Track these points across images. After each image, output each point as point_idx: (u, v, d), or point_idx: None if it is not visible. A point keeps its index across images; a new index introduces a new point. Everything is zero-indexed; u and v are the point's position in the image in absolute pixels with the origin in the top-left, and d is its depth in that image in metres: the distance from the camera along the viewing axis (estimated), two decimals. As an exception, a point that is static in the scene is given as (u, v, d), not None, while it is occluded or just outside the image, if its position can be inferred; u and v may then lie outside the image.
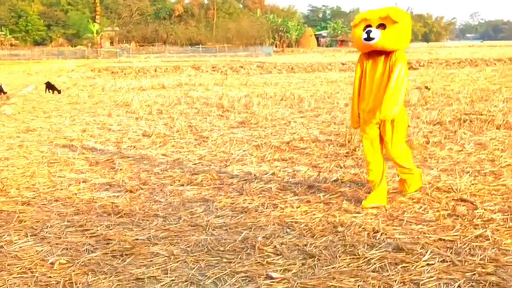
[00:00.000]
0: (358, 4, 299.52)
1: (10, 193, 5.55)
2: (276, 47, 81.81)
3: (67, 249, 3.99)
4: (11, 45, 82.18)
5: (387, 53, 4.68)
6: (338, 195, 5.18)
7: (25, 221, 4.64)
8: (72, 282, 3.41)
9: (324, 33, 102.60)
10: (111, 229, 4.41)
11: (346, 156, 6.93)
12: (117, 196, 5.39)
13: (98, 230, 4.37)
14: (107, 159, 7.03)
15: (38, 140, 8.54)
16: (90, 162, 6.90)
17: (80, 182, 5.91)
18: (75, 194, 5.49)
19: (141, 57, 52.23)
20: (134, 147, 7.87)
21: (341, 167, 6.32)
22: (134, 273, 3.54)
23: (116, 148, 7.81)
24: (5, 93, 15.94)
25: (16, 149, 7.90)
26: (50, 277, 3.50)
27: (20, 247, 4.04)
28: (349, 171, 6.10)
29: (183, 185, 5.73)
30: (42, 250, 3.96)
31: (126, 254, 3.86)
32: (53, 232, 4.36)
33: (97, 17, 78.39)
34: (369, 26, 4.68)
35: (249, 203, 5.02)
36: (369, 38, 4.64)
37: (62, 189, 5.67)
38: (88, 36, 79.86)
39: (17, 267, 3.66)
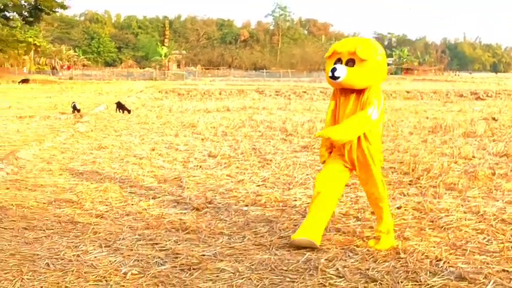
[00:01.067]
0: (424, 33, 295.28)
1: (85, 206, 5.87)
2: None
3: (138, 260, 4.21)
4: (83, 65, 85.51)
5: (359, 90, 4.42)
6: (401, 223, 5.21)
7: (99, 233, 4.91)
8: (143, 292, 3.61)
9: (389, 60, 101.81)
10: (179, 244, 4.61)
11: (409, 184, 6.94)
12: (185, 213, 5.61)
13: (167, 245, 4.59)
14: (175, 178, 7.29)
15: (109, 157, 8.93)
16: (159, 180, 7.18)
17: (149, 198, 6.18)
18: (145, 209, 5.75)
19: (206, 80, 53.38)
20: (200, 167, 8.12)
21: (404, 195, 6.34)
22: (201, 287, 3.71)
23: (182, 167, 8.08)
24: (78, 111, 16.66)
25: (90, 164, 8.30)
26: (123, 286, 3.72)
27: (95, 257, 4.29)
28: (413, 199, 6.11)
29: (247, 205, 5.90)
30: (115, 260, 4.19)
31: (193, 268, 4.04)
32: (125, 244, 4.60)
33: (166, 40, 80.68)
34: (340, 60, 4.40)
35: (312, 226, 5.11)
36: (333, 77, 4.38)
37: (132, 204, 5.95)
38: (156, 59, 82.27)
39: (92, 275, 3.90)
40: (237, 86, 34.90)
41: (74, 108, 16.81)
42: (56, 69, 72.77)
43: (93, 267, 4.06)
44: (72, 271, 3.98)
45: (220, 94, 28.37)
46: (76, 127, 12.86)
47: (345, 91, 4.51)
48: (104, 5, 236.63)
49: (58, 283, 3.77)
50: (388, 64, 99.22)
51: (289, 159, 8.60)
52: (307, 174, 7.45)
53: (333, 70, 4.36)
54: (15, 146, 10.04)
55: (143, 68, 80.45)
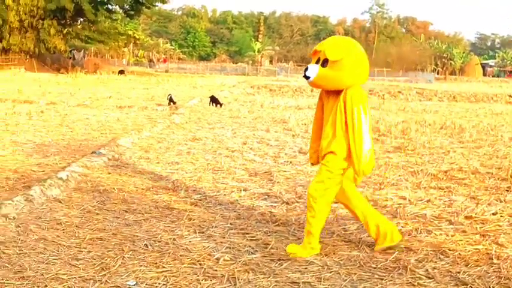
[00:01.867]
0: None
1: (180, 194, 6.13)
2: (437, 73, 79.39)
3: (230, 248, 4.37)
4: (179, 59, 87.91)
5: (338, 90, 4.22)
6: (496, 229, 5.07)
7: (194, 219, 5.12)
8: (235, 277, 3.76)
9: (491, 62, 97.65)
10: (269, 235, 4.73)
11: (507, 190, 6.70)
12: (275, 206, 5.73)
13: (257, 235, 4.72)
14: (265, 172, 7.43)
15: (203, 149, 9.22)
16: (250, 173, 7.35)
17: (241, 190, 6.35)
18: (237, 200, 5.92)
19: (298, 76, 53.39)
20: (290, 162, 8.22)
21: (501, 201, 6.14)
22: (290, 277, 3.81)
23: (273, 162, 8.21)
24: (174, 103, 17.24)
25: (184, 155, 8.61)
26: (216, 270, 3.89)
27: (190, 241, 4.50)
28: (509, 206, 5.91)
29: (336, 202, 5.91)
30: (208, 246, 4.38)
31: (283, 259, 4.15)
32: (218, 232, 4.78)
33: (259, 36, 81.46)
34: (319, 59, 4.24)
35: (402, 227, 5.08)
36: (305, 76, 4.26)
37: (225, 194, 6.14)
38: (249, 54, 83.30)
39: (187, 259, 4.10)
40: (329, 84, 34.72)
41: (170, 100, 17.41)
42: (153, 62, 75.37)
43: (188, 251, 4.26)
44: (169, 253, 4.20)
45: (312, 91, 28.34)
46: (172, 118, 13.34)
47: (327, 92, 4.39)
48: (201, 0, 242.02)
49: (156, 263, 3.99)
50: (490, 66, 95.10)
51: (381, 160, 8.52)
52: (399, 176, 7.37)
53: (305, 70, 4.26)
54: (116, 133, 10.58)
55: (236, 63, 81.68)
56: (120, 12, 50.31)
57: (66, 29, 44.63)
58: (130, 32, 65.89)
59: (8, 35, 43.41)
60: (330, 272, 3.93)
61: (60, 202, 5.59)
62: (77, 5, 42.20)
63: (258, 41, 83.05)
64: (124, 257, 4.10)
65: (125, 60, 72.41)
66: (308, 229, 4.33)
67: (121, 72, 44.16)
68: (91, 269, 3.85)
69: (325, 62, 4.17)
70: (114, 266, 3.92)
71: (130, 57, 75.64)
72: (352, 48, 4.21)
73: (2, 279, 3.58)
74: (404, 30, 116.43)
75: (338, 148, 4.22)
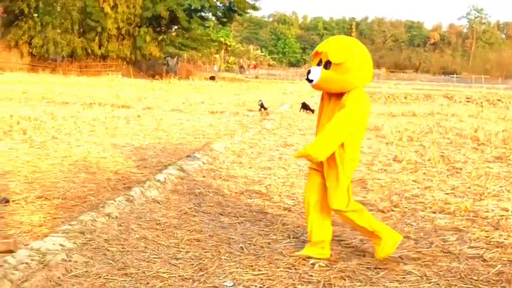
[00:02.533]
0: None
1: (273, 198, 6.17)
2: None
3: (325, 254, 4.34)
4: (269, 65, 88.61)
5: (339, 93, 4.11)
6: None
7: (287, 224, 5.14)
8: (331, 284, 3.74)
9: None
10: (364, 243, 4.66)
11: None
12: (369, 214, 5.63)
13: (352, 242, 4.67)
14: (359, 179, 7.33)
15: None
16: (344, 180, 7.26)
17: (334, 197, 6.29)
18: (331, 207, 5.87)
19: (390, 83, 52.40)
20: (385, 170, 8.07)
21: None
22: (388, 286, 3.74)
23: (367, 169, 8.09)
24: (265, 109, 17.40)
25: (276, 160, 8.66)
26: (311, 276, 3.88)
27: (284, 246, 4.52)
28: None
29: (434, 213, 5.75)
30: (303, 252, 4.37)
31: (379, 268, 4.08)
32: (312, 238, 4.76)
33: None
34: (321, 60, 4.10)
35: (505, 239, 4.86)
36: (307, 79, 4.12)
37: (318, 200, 6.11)
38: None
39: (282, 263, 4.12)
40: (423, 91, 33.90)
41: (261, 106, 17.58)
42: (243, 68, 76.47)
43: (283, 255, 4.28)
44: (264, 256, 4.24)
45: (405, 98, 27.76)
46: (263, 124, 13.47)
47: (329, 95, 4.26)
48: (292, 6, 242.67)
49: (252, 266, 4.04)
50: None
51: (481, 169, 8.18)
52: (500, 186, 7.04)
53: (308, 72, 4.11)
54: (209, 138, 10.81)
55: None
56: (213, 19, 51.45)
57: (161, 36, 46.17)
58: (222, 39, 67.22)
59: (107, 42, 45.47)
60: (429, 283, 3.81)
61: (158, 203, 5.77)
62: (171, 12, 43.60)
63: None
64: (221, 258, 4.17)
65: (216, 66, 73.94)
66: (370, 233, 4.23)
67: (212, 78, 45.12)
68: (190, 269, 3.95)
69: (327, 64, 4.05)
70: (211, 266, 4.00)
71: (222, 63, 77.12)
72: (355, 49, 4.08)
73: (107, 275, 3.74)
74: (504, 36, 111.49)
75: (340, 158, 4.09)
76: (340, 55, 3.99)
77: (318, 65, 4.13)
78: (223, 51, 75.40)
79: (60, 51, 44.39)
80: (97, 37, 45.11)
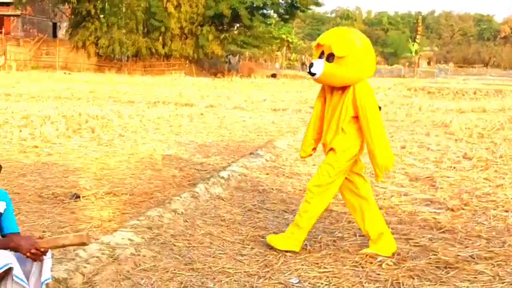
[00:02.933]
0: None
1: (338, 196, 6.04)
2: None
3: (393, 253, 4.24)
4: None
5: (344, 86, 4.04)
6: None
7: (353, 222, 5.03)
8: (399, 283, 3.65)
9: None
10: (433, 242, 4.53)
11: None
12: (438, 213, 5.49)
13: (421, 241, 4.55)
14: (427, 177, 7.15)
15: (359, 151, 9.08)
16: (410, 178, 7.11)
17: (401, 195, 6.17)
18: (397, 205, 5.75)
19: (459, 78, 50.97)
20: (454, 168, 7.83)
21: None
22: (459, 286, 3.62)
23: (435, 167, 7.88)
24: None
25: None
26: (379, 274, 3.81)
27: (350, 244, 4.45)
28: None
29: (507, 211, 5.54)
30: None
31: (449, 267, 3.95)
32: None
33: (417, 36, 78.78)
34: (323, 52, 4.02)
35: None
36: (310, 73, 4.04)
37: (384, 199, 6.00)
38: (406, 56, 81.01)
39: (349, 261, 4.06)
40: (494, 86, 32.76)
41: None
42: (305, 65, 76.08)
43: (349, 253, 4.22)
44: (330, 254, 4.19)
45: (475, 94, 26.91)
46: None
47: (331, 87, 4.17)
48: (356, 1, 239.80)
49: (317, 263, 4.00)
50: None
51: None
52: None
53: (310, 66, 4.04)
54: (272, 136, 10.81)
55: (391, 65, 79.95)
56: (275, 16, 51.41)
57: (223, 35, 46.51)
58: (283, 36, 67.03)
59: (170, 41, 46.18)
60: (503, 283, 3.67)
61: (222, 200, 5.81)
62: (234, 11, 43.84)
63: (415, 41, 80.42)
64: (286, 255, 4.15)
65: (277, 63, 73.89)
66: (297, 222, 4.21)
67: (273, 75, 45.12)
68: (255, 265, 3.94)
69: (330, 57, 3.98)
70: (276, 263, 3.99)
71: (283, 60, 77.02)
72: (359, 41, 4.00)
73: (174, 270, 3.78)
74: None
75: (339, 145, 4.08)
76: (343, 48, 3.94)
77: (320, 57, 4.10)
78: (285, 48, 75.21)
79: (126, 51, 45.44)
80: (161, 37, 45.90)
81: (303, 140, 4.49)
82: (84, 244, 2.85)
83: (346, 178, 4.24)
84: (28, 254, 2.70)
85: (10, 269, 2.62)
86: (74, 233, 3.60)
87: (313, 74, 4.06)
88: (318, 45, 4.11)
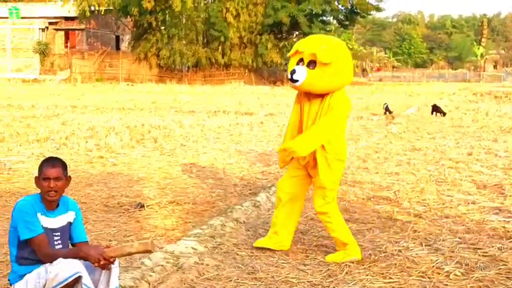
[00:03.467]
0: None
1: (402, 205, 5.97)
2: None
3: (460, 263, 4.12)
4: (393, 67, 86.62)
5: (322, 94, 4.05)
6: None
7: (419, 232, 4.95)
8: (468, 295, 3.53)
9: None
10: (503, 252, 4.38)
11: None
12: (508, 221, 5.29)
13: (490, 251, 4.40)
14: (495, 184, 6.92)
15: (424, 159, 8.89)
16: (478, 185, 6.89)
17: (468, 203, 5.98)
18: (465, 213, 5.58)
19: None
20: (524, 174, 7.55)
21: None
22: (532, 300, 3.47)
23: (504, 174, 7.61)
24: (390, 112, 16.96)
25: (404, 165, 8.39)
26: (446, 285, 3.71)
27: (416, 254, 4.34)
28: None
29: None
30: (437, 260, 4.18)
31: (522, 279, 3.80)
32: (446, 245, 4.54)
33: (482, 39, 76.66)
34: (302, 60, 4.02)
35: None
36: (292, 79, 4.01)
37: (451, 207, 5.83)
38: (471, 59, 78.88)
39: (415, 271, 3.97)
40: None
41: (386, 109, 17.15)
42: (366, 71, 75.22)
43: (415, 263, 4.12)
44: (395, 264, 4.10)
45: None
46: (389, 128, 13.14)
47: (309, 95, 4.14)
48: (418, 6, 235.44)
49: (382, 273, 3.92)
50: None
51: None
52: None
53: (292, 72, 4.02)
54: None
55: (455, 69, 77.97)
56: (334, 23, 51.14)
57: (282, 43, 46.61)
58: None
59: (229, 51, 46.68)
60: None
61: (284, 208, 5.78)
62: (292, 18, 43.91)
63: (480, 44, 78.27)
64: (349, 265, 4.09)
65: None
66: (340, 242, 4.22)
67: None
68: (318, 275, 3.90)
69: (310, 64, 4.00)
70: (340, 273, 3.93)
71: (343, 67, 76.19)
72: (342, 50, 4.09)
73: (238, 279, 3.79)
74: None
75: (324, 153, 4.08)
76: (328, 55, 3.97)
77: (298, 64, 4.10)
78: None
79: (186, 61, 46.23)
80: (220, 46, 46.46)
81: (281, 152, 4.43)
82: (149, 251, 2.90)
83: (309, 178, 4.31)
84: (96, 263, 2.77)
85: (79, 278, 2.69)
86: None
87: (295, 81, 4.06)
88: (297, 52, 4.13)
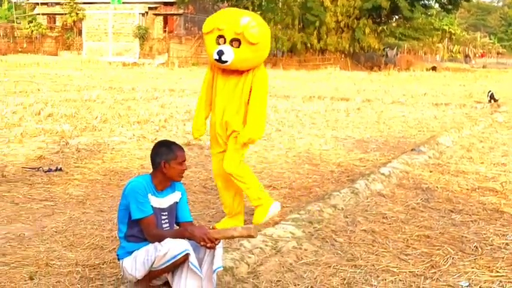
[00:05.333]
0: None
1: (510, 197, 5.67)
2: None
3: None
4: (498, 53, 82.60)
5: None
6: None
7: (528, 226, 4.69)
8: None
9: None
10: None
11: None
12: None
13: None
14: None
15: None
16: None
17: None
18: None
19: None
20: None
21: None
22: None
23: None
24: (496, 100, 16.15)
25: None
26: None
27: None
28: None
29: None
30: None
31: None
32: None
33: None
34: (222, 37, 4.04)
35: None
36: (220, 60, 4.05)
37: None
38: None
39: (525, 267, 3.76)
40: None
41: (491, 97, 16.34)
42: (469, 57, 72.10)
43: None
44: (503, 258, 3.92)
45: None
46: (494, 117, 12.53)
47: (227, 72, 4.24)
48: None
49: (489, 267, 3.76)
50: None
51: None
52: None
53: (220, 53, 4.04)
54: (434, 131, 10.37)
55: None
56: (436, 7, 49.33)
57: (380, 28, 45.51)
58: (445, 27, 64.10)
59: (325, 36, 46.13)
60: None
61: (383, 197, 5.67)
62: (392, 2, 42.72)
63: None
64: (453, 257, 3.94)
65: (438, 56, 70.81)
66: (254, 198, 4.52)
67: (433, 68, 43.36)
68: (420, 265, 3.79)
69: (233, 41, 4.03)
70: (444, 265, 3.80)
71: (445, 53, 73.62)
72: (264, 25, 4.21)
73: (337, 265, 3.75)
74: None
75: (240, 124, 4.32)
76: (257, 35, 4.05)
77: (218, 42, 4.11)
78: (446, 39, 71.88)
79: (281, 46, 46.21)
80: (316, 31, 46.01)
81: (195, 121, 4.55)
82: (251, 236, 2.93)
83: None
84: (202, 242, 2.82)
85: (187, 256, 2.75)
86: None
87: (224, 62, 4.10)
88: (216, 28, 4.12)
